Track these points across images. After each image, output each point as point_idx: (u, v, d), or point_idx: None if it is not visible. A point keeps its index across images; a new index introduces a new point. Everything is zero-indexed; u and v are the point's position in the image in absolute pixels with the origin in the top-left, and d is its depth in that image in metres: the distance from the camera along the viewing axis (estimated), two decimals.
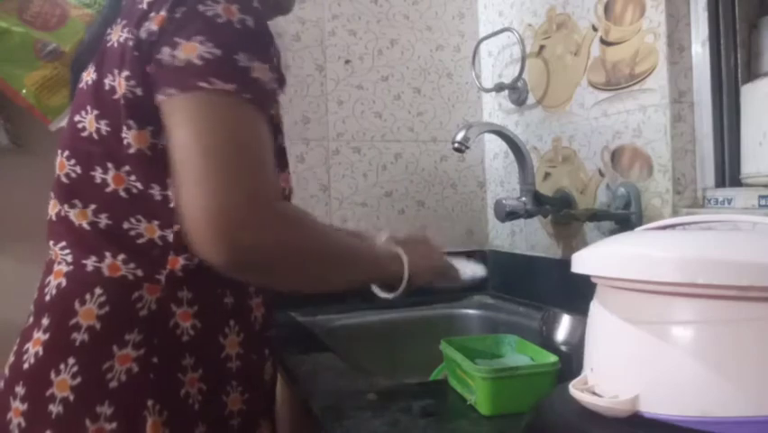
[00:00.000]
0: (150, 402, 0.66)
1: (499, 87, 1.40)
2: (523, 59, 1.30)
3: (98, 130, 0.68)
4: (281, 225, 0.63)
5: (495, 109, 1.50)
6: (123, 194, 0.67)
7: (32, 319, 0.71)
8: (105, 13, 0.74)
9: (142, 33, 0.64)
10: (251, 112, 0.62)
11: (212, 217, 0.58)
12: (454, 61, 1.54)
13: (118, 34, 0.67)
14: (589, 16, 1.14)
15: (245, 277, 0.67)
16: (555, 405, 0.56)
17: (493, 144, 1.52)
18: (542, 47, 1.29)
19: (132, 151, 0.66)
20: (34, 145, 1.20)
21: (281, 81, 0.70)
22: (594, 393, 0.52)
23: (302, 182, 1.40)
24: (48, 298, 0.69)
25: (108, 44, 0.69)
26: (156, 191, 0.67)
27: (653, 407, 0.48)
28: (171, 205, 0.67)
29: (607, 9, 1.09)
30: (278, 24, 1.39)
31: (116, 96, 0.66)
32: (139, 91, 0.65)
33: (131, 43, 0.65)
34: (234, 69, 0.61)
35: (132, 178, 0.67)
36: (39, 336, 0.68)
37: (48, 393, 0.65)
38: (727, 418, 0.45)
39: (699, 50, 0.96)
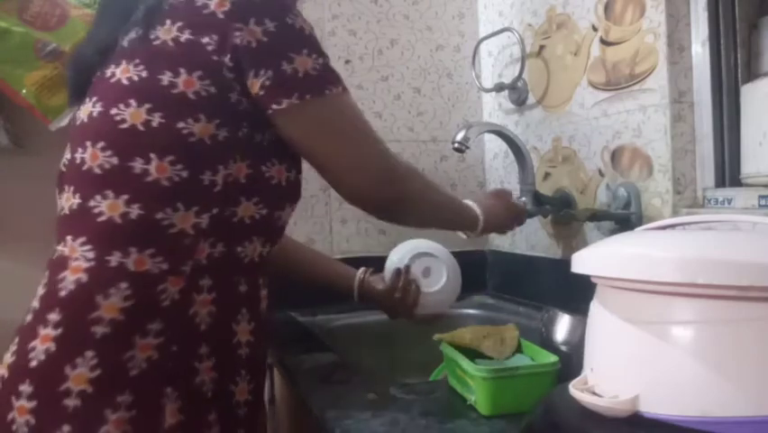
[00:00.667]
0: (168, 390, 0.68)
1: (499, 87, 1.40)
2: (523, 59, 1.30)
3: (148, 122, 0.70)
4: (417, 175, 0.87)
5: (495, 109, 1.50)
6: (165, 183, 0.70)
7: (30, 317, 0.70)
8: (114, 14, 0.78)
9: (237, 40, 0.70)
10: (352, 100, 0.78)
11: (382, 176, 0.78)
12: (454, 61, 1.54)
13: (173, 34, 0.71)
14: (589, 16, 1.14)
15: (397, 214, 0.85)
16: (555, 405, 0.56)
17: (493, 144, 1.52)
18: (542, 47, 1.29)
19: (192, 140, 0.70)
20: (34, 145, 1.20)
21: None
22: (594, 393, 0.52)
23: (302, 182, 1.40)
24: (63, 293, 0.69)
25: (156, 42, 0.72)
26: (206, 176, 0.71)
27: (653, 407, 0.48)
28: (216, 189, 0.71)
29: (607, 9, 1.09)
30: None
31: (176, 91, 0.70)
32: (212, 90, 0.70)
33: (209, 48, 0.70)
34: (333, 72, 0.75)
35: (179, 166, 0.70)
36: (48, 332, 0.68)
37: (62, 388, 0.65)
38: (727, 418, 0.45)
39: (699, 50, 0.96)
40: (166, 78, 0.71)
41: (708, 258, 0.47)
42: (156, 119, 0.70)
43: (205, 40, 0.70)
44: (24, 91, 1.12)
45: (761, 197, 0.85)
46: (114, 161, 0.71)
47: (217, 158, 0.72)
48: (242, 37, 0.70)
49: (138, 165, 0.70)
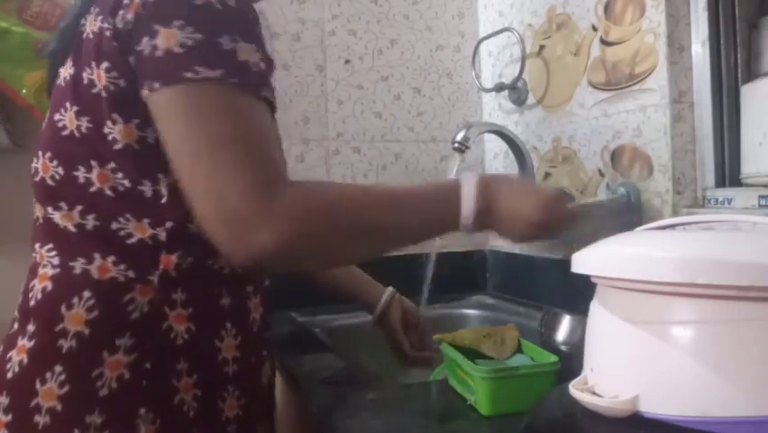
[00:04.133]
0: (142, 410, 0.63)
1: (499, 87, 1.40)
2: (523, 60, 1.30)
3: (79, 127, 0.64)
4: (297, 211, 0.58)
5: (495, 109, 1.50)
6: (109, 192, 0.64)
7: (16, 326, 0.68)
8: (77, 5, 0.69)
9: (119, 22, 0.60)
10: (243, 98, 0.59)
11: (225, 222, 0.56)
12: (454, 61, 1.54)
13: (92, 24, 0.64)
14: (589, 16, 1.14)
15: (277, 271, 0.64)
16: (555, 405, 0.56)
17: (493, 144, 1.51)
18: (542, 47, 1.29)
19: (118, 147, 0.63)
20: (34, 145, 1.19)
21: (270, 63, 0.65)
22: (594, 393, 0.52)
23: None
24: (33, 303, 0.66)
25: (83, 36, 0.65)
26: (147, 187, 0.64)
27: (653, 407, 0.48)
28: (163, 201, 0.64)
29: (607, 9, 1.09)
30: (277, 24, 1.39)
31: (96, 90, 0.63)
32: (122, 83, 0.62)
33: (108, 33, 0.61)
34: (219, 53, 0.58)
35: (119, 175, 0.64)
36: (23, 343, 0.65)
37: (33, 404, 0.62)
38: (727, 418, 0.45)
39: (699, 50, 0.96)
40: (86, 74, 0.63)
41: (708, 258, 0.47)
42: (84, 123, 0.64)
43: (106, 24, 0.61)
44: (24, 91, 1.12)
45: (761, 197, 0.85)
46: (61, 171, 0.66)
47: (153, 164, 0.63)
48: (121, 16, 0.60)
49: (81, 174, 0.64)
